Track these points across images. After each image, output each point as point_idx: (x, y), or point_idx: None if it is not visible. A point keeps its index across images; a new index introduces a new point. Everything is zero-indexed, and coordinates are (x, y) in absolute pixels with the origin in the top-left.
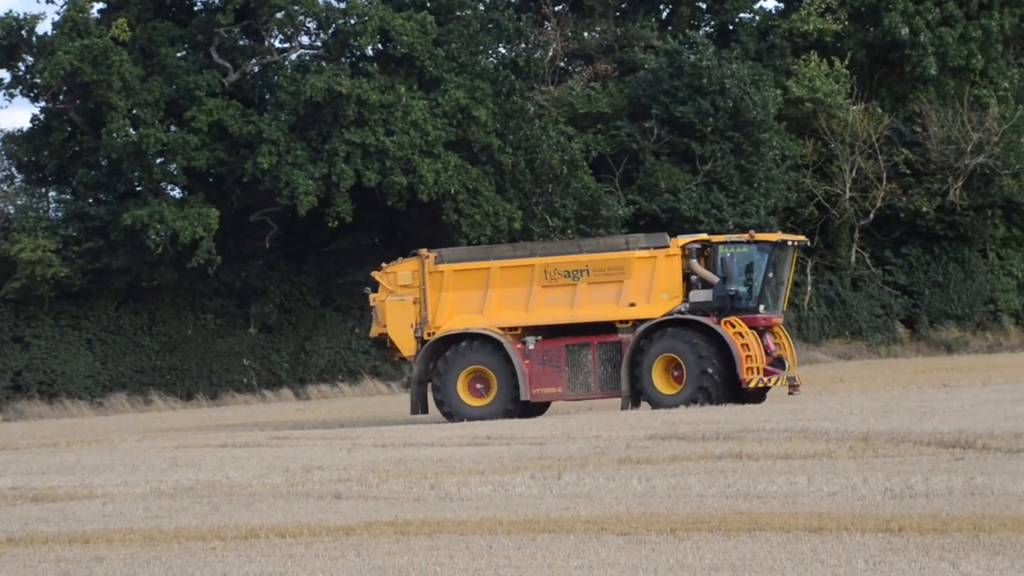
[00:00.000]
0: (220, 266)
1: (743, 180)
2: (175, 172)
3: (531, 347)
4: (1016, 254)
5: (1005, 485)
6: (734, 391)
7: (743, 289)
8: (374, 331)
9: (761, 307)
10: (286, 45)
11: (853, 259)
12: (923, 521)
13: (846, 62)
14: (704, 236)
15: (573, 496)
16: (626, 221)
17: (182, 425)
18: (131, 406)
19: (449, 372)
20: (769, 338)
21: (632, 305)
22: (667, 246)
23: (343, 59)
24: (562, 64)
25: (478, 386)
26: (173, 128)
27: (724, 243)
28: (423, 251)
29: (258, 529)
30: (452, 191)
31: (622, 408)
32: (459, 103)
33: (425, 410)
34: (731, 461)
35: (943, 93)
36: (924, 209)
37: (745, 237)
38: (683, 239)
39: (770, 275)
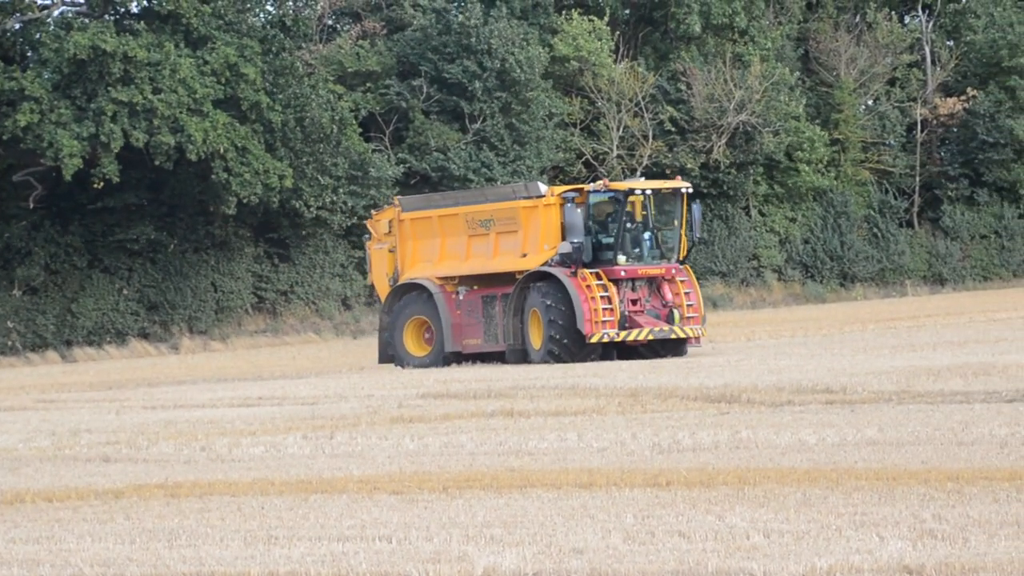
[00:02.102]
0: None
1: (513, 139)
2: None
3: (461, 297)
4: (777, 211)
5: (769, 438)
6: (621, 346)
7: (606, 240)
8: (369, 279)
9: (621, 258)
10: (48, 2)
11: None
12: (690, 475)
13: (606, 19)
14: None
15: (345, 456)
16: (397, 180)
17: None
18: None
19: (397, 321)
20: (667, 289)
21: (524, 256)
22: (542, 195)
23: (107, 16)
24: (330, 22)
25: (426, 335)
26: None
27: (591, 192)
28: (396, 199)
29: (24, 494)
30: (221, 150)
31: (508, 361)
32: (227, 61)
33: (389, 359)
34: (503, 419)
35: (705, 51)
36: (689, 166)
37: (600, 186)
38: (561, 188)
39: (628, 224)
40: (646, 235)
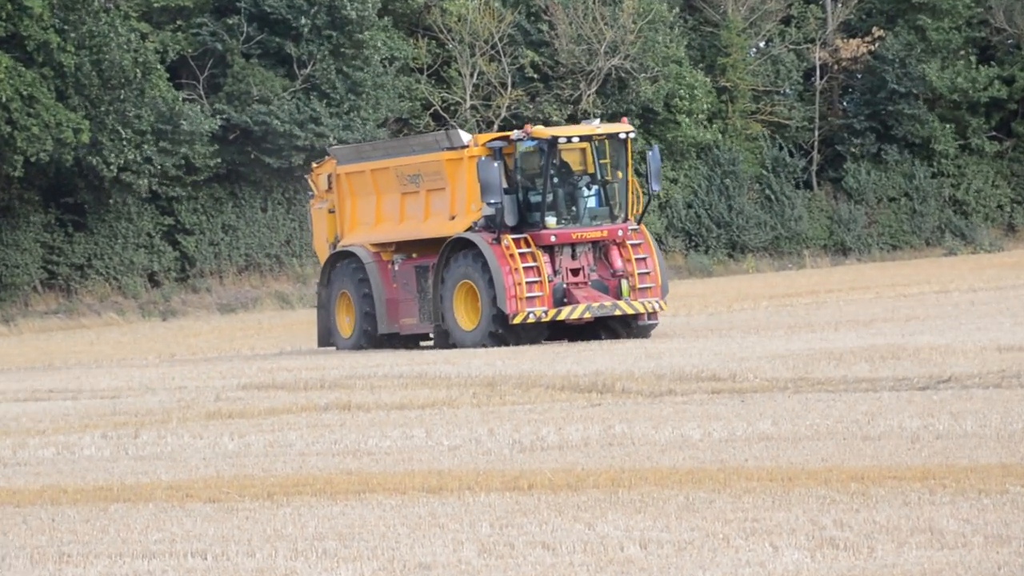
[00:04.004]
0: None
1: (347, 88)
2: None
3: (396, 268)
4: None
5: (646, 433)
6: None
7: (535, 198)
8: (314, 245)
9: (550, 219)
10: None
11: None
12: (556, 477)
13: None
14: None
15: (153, 458)
16: (213, 135)
17: None
18: None
19: (330, 297)
20: (616, 254)
21: (453, 218)
22: (465, 145)
23: None
24: None
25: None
26: None
27: (516, 141)
28: (330, 149)
29: None
30: (3, 99)
31: (435, 346)
32: None
33: (330, 342)
34: (338, 413)
35: None
36: (554, 118)
37: (522, 134)
38: (486, 136)
39: (555, 179)
40: (588, 191)
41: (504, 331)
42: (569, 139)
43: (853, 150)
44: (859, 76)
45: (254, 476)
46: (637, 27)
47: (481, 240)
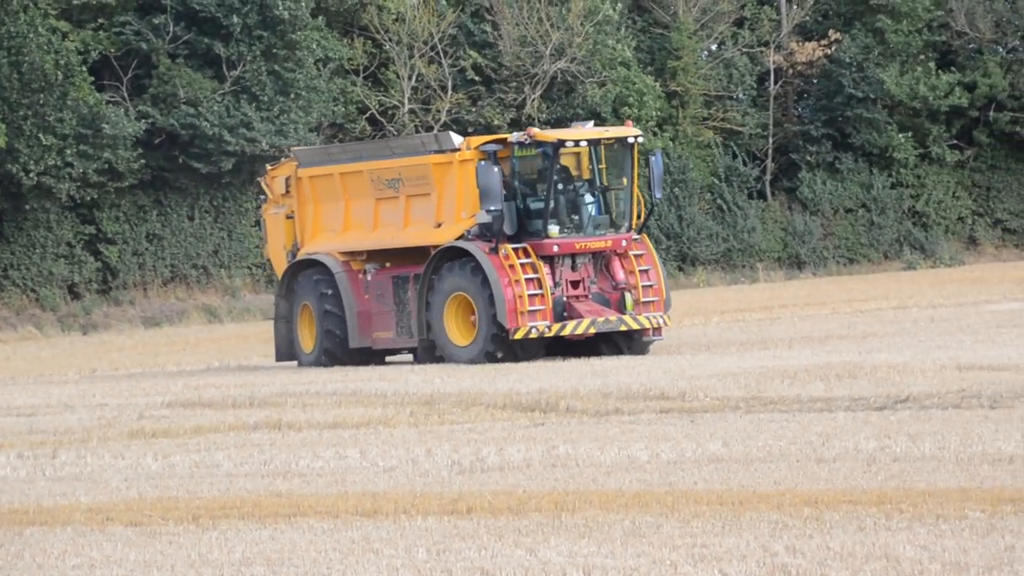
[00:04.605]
0: None
1: (278, 90)
2: None
3: (369, 278)
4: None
5: (592, 455)
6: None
7: (535, 205)
8: (265, 253)
9: (553, 228)
10: None
11: None
12: (496, 500)
13: None
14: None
15: (72, 479)
16: (137, 139)
17: None
18: None
19: (292, 308)
20: (618, 266)
21: (439, 226)
22: (456, 148)
23: None
24: None
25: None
26: None
27: (515, 144)
28: (291, 151)
29: None
30: None
31: (418, 362)
32: None
33: (290, 356)
34: (268, 432)
35: None
36: (496, 123)
37: (524, 136)
38: (478, 139)
39: (559, 185)
40: (590, 198)
41: (503, 347)
42: (577, 143)
43: (808, 158)
44: (815, 81)
45: (178, 498)
46: (585, 29)
47: (477, 249)
